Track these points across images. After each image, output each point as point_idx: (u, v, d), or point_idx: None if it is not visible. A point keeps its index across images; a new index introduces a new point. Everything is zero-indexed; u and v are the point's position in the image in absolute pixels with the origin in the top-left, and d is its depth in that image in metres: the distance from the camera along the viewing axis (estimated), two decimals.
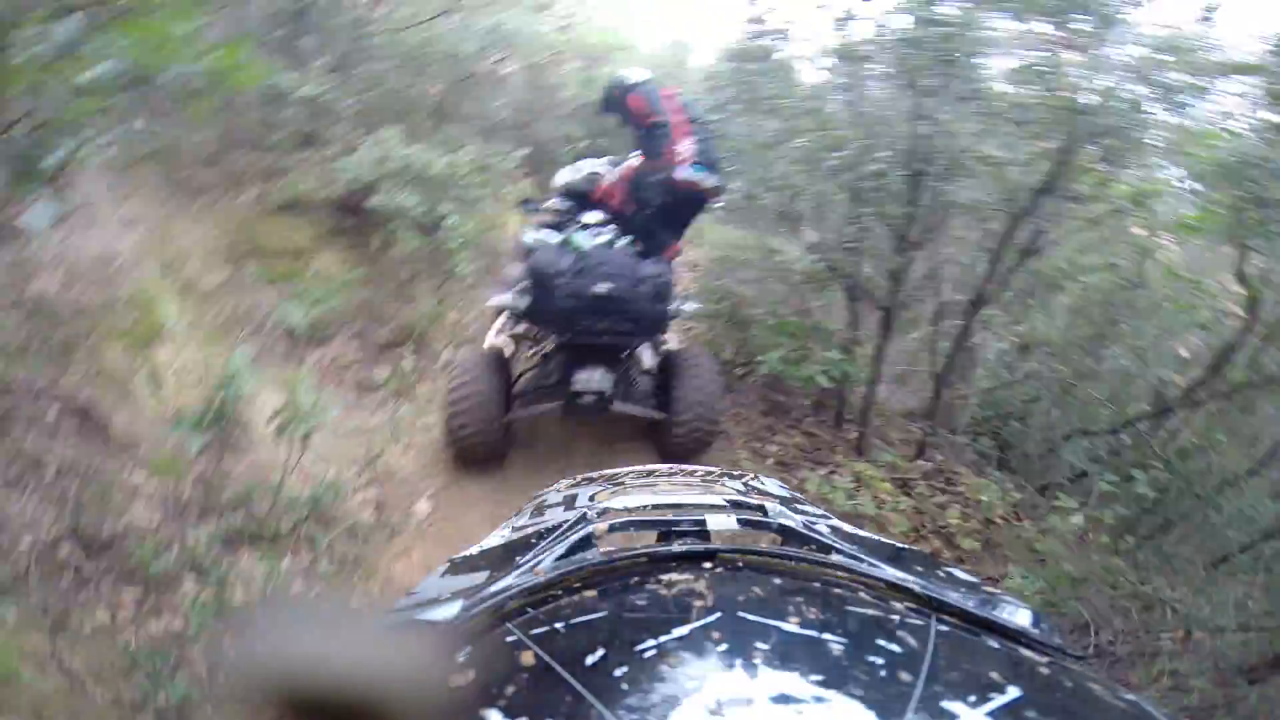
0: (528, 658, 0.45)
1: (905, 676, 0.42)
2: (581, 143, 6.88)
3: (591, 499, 0.83)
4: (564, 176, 4.45)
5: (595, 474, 1.07)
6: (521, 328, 3.41)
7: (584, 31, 7.99)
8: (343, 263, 4.51)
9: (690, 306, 3.67)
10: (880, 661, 0.44)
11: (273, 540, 2.59)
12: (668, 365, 3.43)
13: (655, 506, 0.76)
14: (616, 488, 0.90)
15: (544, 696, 0.41)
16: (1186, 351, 4.49)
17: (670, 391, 3.32)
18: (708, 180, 3.42)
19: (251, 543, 2.52)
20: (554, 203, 4.06)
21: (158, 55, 1.33)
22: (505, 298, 3.36)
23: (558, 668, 0.43)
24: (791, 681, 0.41)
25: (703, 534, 0.68)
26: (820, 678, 0.42)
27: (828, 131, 3.23)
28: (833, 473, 3.44)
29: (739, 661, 0.43)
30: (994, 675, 0.44)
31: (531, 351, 3.61)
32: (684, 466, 1.10)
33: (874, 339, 3.66)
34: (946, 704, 0.39)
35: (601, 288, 2.98)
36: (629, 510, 0.75)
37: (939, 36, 2.88)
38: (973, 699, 0.39)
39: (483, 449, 3.27)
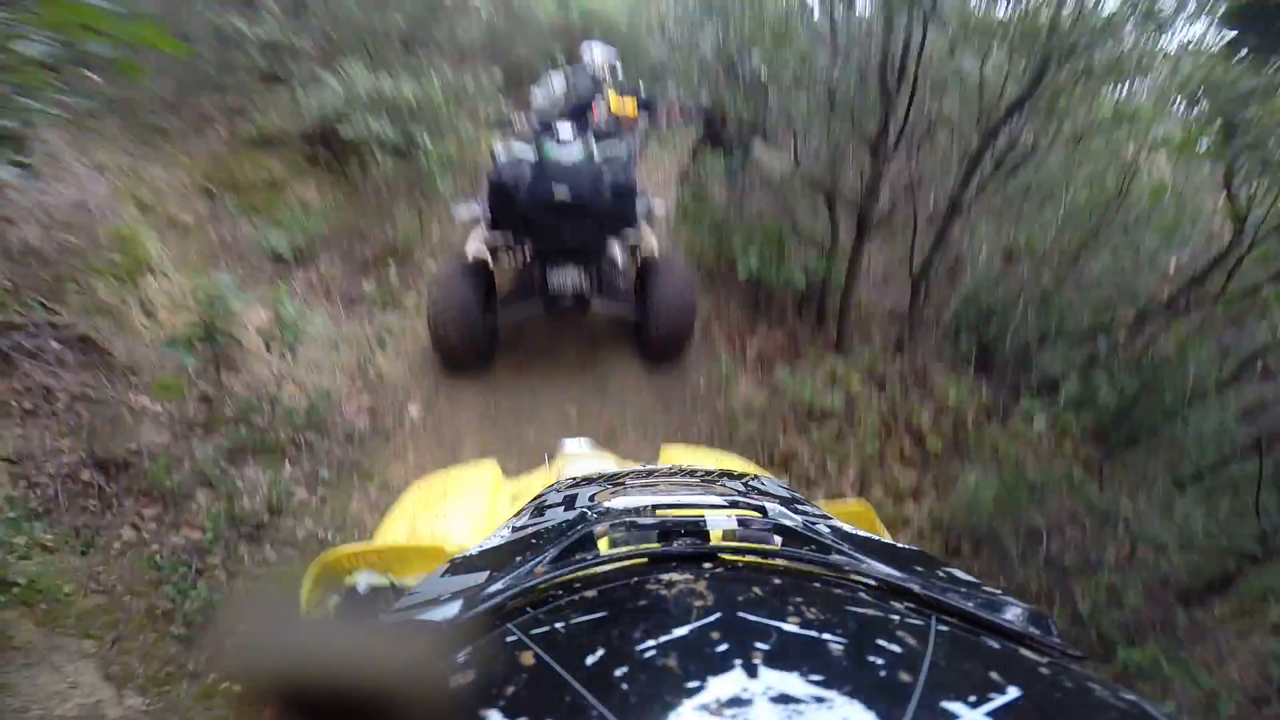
0: (528, 658, 0.45)
1: (905, 677, 0.42)
2: (561, 58, 6.61)
3: (591, 499, 0.83)
4: (538, 93, 4.42)
5: (595, 474, 1.06)
6: (498, 236, 3.46)
7: None
8: (321, 190, 4.51)
9: (659, 208, 3.76)
10: (880, 662, 0.44)
11: (274, 450, 2.73)
12: (645, 270, 3.55)
13: (655, 507, 0.75)
14: (616, 488, 0.90)
15: (544, 697, 0.41)
16: (1173, 266, 4.51)
17: (646, 295, 3.46)
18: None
19: (255, 454, 2.66)
20: (523, 117, 4.03)
21: (81, 34, 1.29)
22: (473, 209, 3.46)
23: (558, 668, 0.43)
24: (791, 682, 0.41)
25: (702, 534, 0.68)
26: (820, 678, 0.41)
27: (795, 44, 3.19)
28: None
29: (739, 662, 0.43)
30: (994, 675, 0.44)
31: (510, 258, 3.69)
32: (684, 467, 1.10)
33: (850, 242, 3.72)
34: (946, 704, 0.39)
35: (560, 190, 3.05)
36: (629, 510, 0.75)
37: None
38: (973, 699, 0.39)
39: (468, 353, 3.41)
